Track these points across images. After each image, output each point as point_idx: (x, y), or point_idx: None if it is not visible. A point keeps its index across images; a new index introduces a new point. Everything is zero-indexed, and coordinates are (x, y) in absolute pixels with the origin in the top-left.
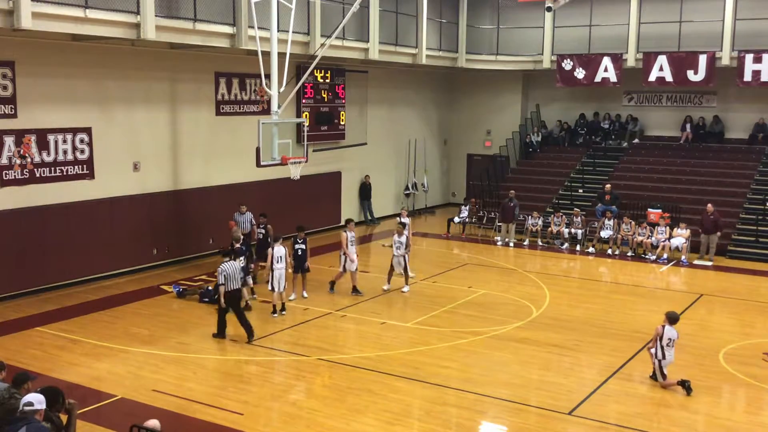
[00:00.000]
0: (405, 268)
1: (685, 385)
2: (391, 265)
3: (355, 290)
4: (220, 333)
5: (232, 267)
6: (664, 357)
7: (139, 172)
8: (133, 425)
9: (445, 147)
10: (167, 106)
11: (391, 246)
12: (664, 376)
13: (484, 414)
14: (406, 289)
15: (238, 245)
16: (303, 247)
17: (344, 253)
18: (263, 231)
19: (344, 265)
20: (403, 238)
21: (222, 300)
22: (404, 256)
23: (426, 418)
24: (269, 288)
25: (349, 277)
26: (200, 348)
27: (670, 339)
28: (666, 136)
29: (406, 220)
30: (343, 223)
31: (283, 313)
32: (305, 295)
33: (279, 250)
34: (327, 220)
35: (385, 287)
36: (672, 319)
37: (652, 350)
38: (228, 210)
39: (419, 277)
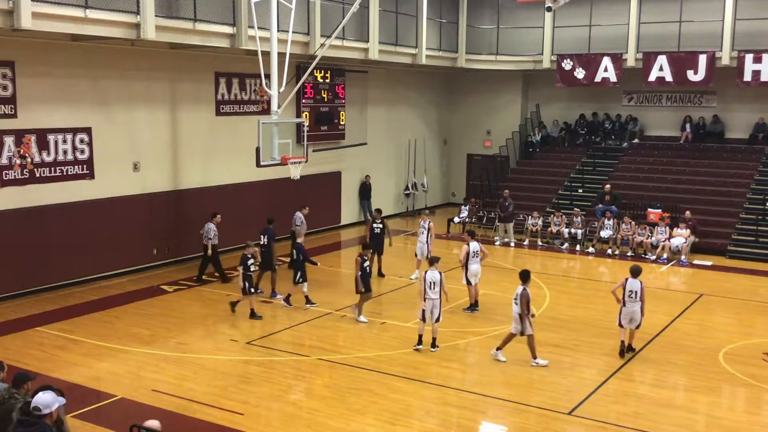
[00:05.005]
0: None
1: (625, 350)
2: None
3: None
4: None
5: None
6: (624, 305)
7: (139, 172)
8: (133, 425)
9: (445, 147)
10: (167, 106)
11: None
12: (621, 324)
13: (484, 414)
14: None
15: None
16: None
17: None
18: (380, 225)
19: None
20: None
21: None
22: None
23: (426, 418)
24: (419, 317)
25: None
26: (200, 348)
27: (631, 291)
28: (666, 136)
29: (426, 223)
30: (343, 222)
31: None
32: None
33: (433, 275)
34: (327, 220)
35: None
36: (634, 272)
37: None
38: (228, 210)
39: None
